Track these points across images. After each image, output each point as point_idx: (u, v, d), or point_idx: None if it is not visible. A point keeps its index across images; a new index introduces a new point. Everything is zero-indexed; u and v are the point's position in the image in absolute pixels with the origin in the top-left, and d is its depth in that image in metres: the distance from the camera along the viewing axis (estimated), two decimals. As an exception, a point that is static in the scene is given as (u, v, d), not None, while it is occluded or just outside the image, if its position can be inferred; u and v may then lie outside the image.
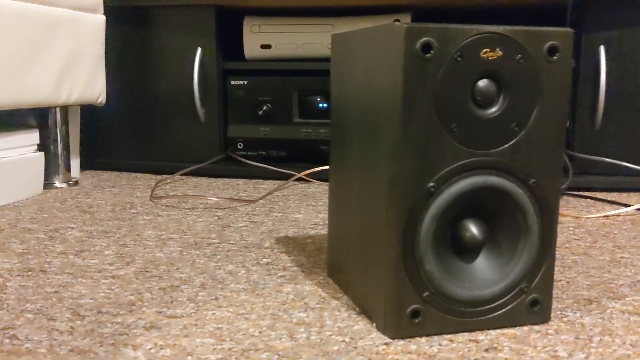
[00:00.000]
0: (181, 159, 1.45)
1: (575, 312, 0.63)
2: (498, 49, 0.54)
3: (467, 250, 0.58)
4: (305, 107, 1.42)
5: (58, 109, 1.31)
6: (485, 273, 0.58)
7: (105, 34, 1.36)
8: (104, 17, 1.35)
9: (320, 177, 1.34)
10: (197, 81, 1.41)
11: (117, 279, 0.71)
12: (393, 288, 0.55)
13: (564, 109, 0.57)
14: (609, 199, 1.18)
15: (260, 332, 0.57)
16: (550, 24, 1.21)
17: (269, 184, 1.33)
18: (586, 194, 1.22)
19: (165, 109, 1.47)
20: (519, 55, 0.55)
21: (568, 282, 0.72)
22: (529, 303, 0.59)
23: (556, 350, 0.54)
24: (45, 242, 0.86)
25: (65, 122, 1.34)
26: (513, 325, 0.59)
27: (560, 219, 1.03)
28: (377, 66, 0.57)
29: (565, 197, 1.21)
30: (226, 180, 1.38)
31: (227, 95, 1.46)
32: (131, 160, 1.50)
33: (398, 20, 1.37)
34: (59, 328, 0.58)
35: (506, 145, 0.56)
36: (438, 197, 0.55)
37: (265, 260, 0.79)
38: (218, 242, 0.87)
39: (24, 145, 1.20)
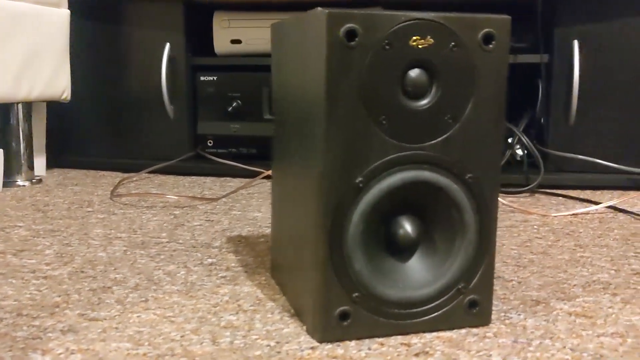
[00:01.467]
0: (151, 157, 1.42)
1: (519, 314, 0.60)
2: (429, 37, 0.51)
3: (401, 249, 0.55)
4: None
5: (20, 106, 1.28)
6: (419, 273, 0.56)
7: (71, 28, 1.33)
8: (68, 12, 1.32)
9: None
10: (165, 77, 1.38)
11: (48, 279, 0.69)
12: (320, 288, 0.52)
13: (502, 100, 0.54)
14: (581, 196, 1.15)
15: (182, 336, 0.54)
16: (521, 17, 1.18)
17: (237, 182, 1.30)
18: (559, 191, 1.19)
19: (134, 106, 1.44)
20: (452, 44, 0.52)
21: (519, 282, 0.69)
22: (467, 304, 0.56)
23: (490, 355, 0.51)
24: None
25: (28, 119, 1.31)
26: (451, 328, 0.56)
27: (527, 217, 1.00)
28: (306, 55, 0.54)
29: (536, 195, 1.18)
30: (194, 178, 1.35)
31: (196, 91, 1.43)
32: (100, 158, 1.47)
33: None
34: (-29, 331, 0.55)
35: (439, 139, 0.53)
36: (367, 193, 0.52)
37: (209, 260, 0.76)
38: (166, 242, 0.84)
39: (-19, 142, 1.17)
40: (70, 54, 1.34)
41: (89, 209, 1.04)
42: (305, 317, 0.56)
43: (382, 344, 0.53)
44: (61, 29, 1.30)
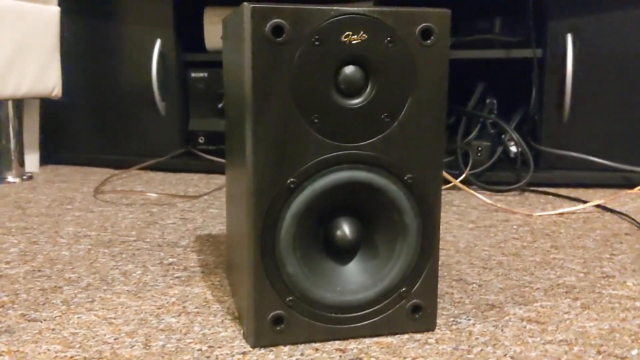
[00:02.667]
0: (142, 153, 1.42)
1: (469, 319, 0.58)
2: (362, 32, 0.49)
3: (341, 251, 0.54)
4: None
5: (10, 103, 1.29)
6: (359, 276, 0.54)
7: (62, 25, 1.34)
8: (57, 9, 1.32)
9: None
10: (155, 73, 1.38)
11: (3, 278, 0.68)
12: (252, 292, 0.51)
13: (443, 98, 0.52)
14: (572, 195, 1.12)
15: (115, 339, 0.53)
16: (514, 11, 1.14)
17: (224, 179, 1.29)
18: (549, 190, 1.16)
19: (125, 102, 1.44)
20: (388, 39, 0.50)
21: (480, 286, 0.67)
22: (410, 309, 0.54)
23: (426, 363, 0.49)
24: (-43, 239, 0.84)
25: (19, 115, 1.31)
26: (393, 333, 0.54)
27: (509, 216, 0.98)
28: (239, 51, 0.52)
29: (526, 194, 1.15)
30: (183, 175, 1.35)
31: (187, 87, 1.42)
32: (92, 155, 1.47)
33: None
34: None
35: (376, 138, 0.51)
36: (300, 194, 0.50)
37: (170, 259, 0.75)
38: (133, 240, 0.84)
39: (-32, 139, 1.18)
40: (61, 51, 1.34)
41: (69, 206, 1.04)
42: (242, 320, 0.55)
43: (316, 349, 0.52)
44: (50, 25, 1.30)
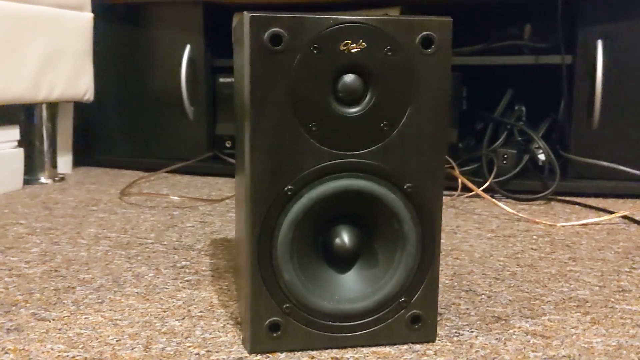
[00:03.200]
0: (170, 157, 1.44)
1: (472, 332, 0.57)
2: (361, 41, 0.49)
3: (339, 260, 0.54)
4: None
5: (44, 106, 1.33)
6: (358, 284, 0.54)
7: (95, 31, 1.37)
8: (91, 15, 1.36)
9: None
10: (185, 78, 1.40)
11: (20, 277, 0.70)
12: (249, 299, 0.51)
13: (444, 106, 0.51)
14: (600, 205, 1.09)
15: (117, 341, 0.54)
16: (544, 17, 1.13)
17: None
18: (577, 200, 1.13)
19: (155, 107, 1.47)
20: (387, 48, 0.50)
21: (489, 297, 0.66)
22: (409, 319, 0.54)
23: (421, 374, 0.49)
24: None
25: (52, 118, 1.35)
26: (393, 343, 0.54)
27: (531, 226, 0.96)
28: (242, 58, 0.53)
29: (552, 203, 1.12)
30: (208, 178, 1.37)
31: (215, 93, 1.44)
32: (123, 157, 1.50)
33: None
34: None
35: (375, 147, 0.51)
36: (297, 202, 0.50)
37: (183, 262, 0.77)
38: (151, 243, 0.85)
39: (3, 141, 1.22)
40: (93, 56, 1.37)
41: (94, 208, 1.06)
42: (242, 326, 0.55)
43: (312, 357, 0.52)
44: (83, 31, 1.33)
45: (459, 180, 1.13)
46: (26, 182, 1.29)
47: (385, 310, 0.53)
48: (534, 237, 0.90)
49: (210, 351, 0.52)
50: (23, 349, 0.52)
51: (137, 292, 0.66)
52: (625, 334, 0.56)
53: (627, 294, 0.66)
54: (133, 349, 0.53)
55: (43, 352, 0.52)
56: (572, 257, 0.80)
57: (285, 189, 0.50)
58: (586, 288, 0.68)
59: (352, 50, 0.49)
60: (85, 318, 0.59)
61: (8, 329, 0.57)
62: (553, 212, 1.05)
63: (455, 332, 0.57)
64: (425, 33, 0.50)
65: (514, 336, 0.56)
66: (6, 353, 0.52)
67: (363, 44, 0.49)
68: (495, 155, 1.20)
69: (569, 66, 1.20)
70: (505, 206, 1.05)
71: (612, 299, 0.65)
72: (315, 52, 0.49)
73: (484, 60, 1.26)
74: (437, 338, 0.55)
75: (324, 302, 0.52)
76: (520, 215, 1.02)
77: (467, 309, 0.62)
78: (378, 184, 0.51)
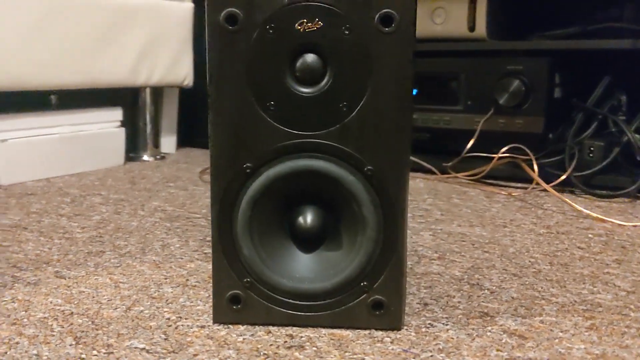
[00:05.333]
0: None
1: (446, 324, 0.54)
2: (317, 20, 0.49)
3: (306, 240, 0.54)
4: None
5: (148, 90, 1.44)
6: (320, 265, 0.54)
7: (197, 20, 1.46)
8: (191, 5, 1.45)
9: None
10: (276, 64, 1.45)
11: (68, 240, 0.79)
12: (213, 271, 0.54)
13: (407, 87, 0.49)
14: (697, 207, 0.97)
15: (108, 301, 0.59)
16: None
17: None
18: (671, 199, 1.01)
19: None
20: (345, 26, 0.49)
21: (492, 293, 0.62)
22: (371, 305, 0.53)
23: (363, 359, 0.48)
24: (63, 204, 0.97)
25: (156, 102, 1.47)
26: (355, 327, 0.53)
27: (595, 224, 0.88)
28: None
29: (636, 202, 1.02)
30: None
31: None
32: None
33: (474, -2, 1.26)
34: (-33, 275, 0.66)
35: (334, 127, 0.50)
36: (256, 180, 0.52)
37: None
38: (197, 217, 0.90)
39: (107, 121, 1.35)
40: (196, 44, 1.47)
41: (171, 184, 1.15)
42: (216, 297, 0.57)
43: (269, 332, 0.53)
44: (183, 21, 1.43)
45: (535, 172, 1.06)
46: (130, 159, 1.42)
47: (345, 294, 0.53)
48: (590, 235, 0.82)
49: (181, 317, 0.56)
50: (27, 300, 0.59)
51: (154, 260, 0.71)
52: (618, 343, 0.51)
53: (653, 303, 0.59)
54: (116, 309, 0.57)
55: (42, 304, 0.58)
56: (618, 260, 0.72)
57: (244, 166, 0.51)
58: (610, 293, 0.62)
59: (307, 30, 0.49)
60: (95, 279, 0.65)
61: (28, 282, 0.64)
62: (632, 212, 0.95)
63: (429, 324, 0.54)
64: (384, 11, 0.48)
65: (489, 334, 0.52)
66: (12, 302, 0.59)
67: (319, 22, 0.49)
68: (582, 147, 1.10)
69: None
70: (574, 203, 0.96)
71: (632, 307, 0.58)
72: (270, 31, 0.49)
73: (578, 45, 1.16)
74: (406, 327, 0.54)
75: (283, 279, 0.53)
76: (588, 212, 0.93)
77: (459, 302, 0.59)
78: (337, 166, 0.51)
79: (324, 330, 0.53)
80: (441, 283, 0.64)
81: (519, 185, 1.12)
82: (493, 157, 1.13)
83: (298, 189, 0.53)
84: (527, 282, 0.65)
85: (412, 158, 1.25)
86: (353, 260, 0.52)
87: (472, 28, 1.27)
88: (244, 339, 0.51)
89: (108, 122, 1.35)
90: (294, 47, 0.50)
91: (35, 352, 0.49)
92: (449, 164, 1.21)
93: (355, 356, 0.49)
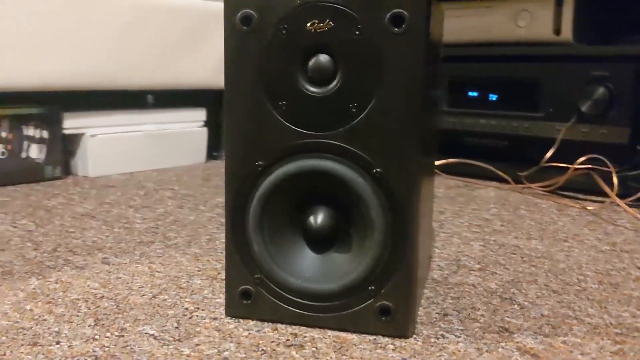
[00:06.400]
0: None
1: (459, 337, 0.52)
2: (329, 21, 0.49)
3: (319, 240, 0.54)
4: (455, 96, 1.34)
5: (232, 91, 1.50)
6: (329, 266, 0.53)
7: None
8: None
9: (451, 170, 1.27)
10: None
11: (127, 230, 0.84)
12: (226, 265, 0.55)
13: (417, 89, 0.48)
14: None
15: (139, 287, 0.62)
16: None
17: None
18: None
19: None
20: (357, 27, 0.48)
21: (522, 308, 0.59)
22: (378, 310, 0.52)
23: (356, 364, 0.47)
24: (136, 196, 1.03)
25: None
26: (362, 332, 0.53)
27: (669, 244, 0.80)
28: (245, 42, 0.56)
29: None
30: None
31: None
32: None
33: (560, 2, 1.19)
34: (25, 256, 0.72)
35: (343, 128, 0.50)
36: (267, 178, 0.52)
37: (259, 234, 0.82)
38: (252, 215, 0.93)
39: (191, 121, 1.42)
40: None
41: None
42: (235, 291, 0.59)
43: (275, 329, 0.53)
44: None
45: (615, 186, 0.99)
46: (213, 157, 1.48)
47: (352, 297, 0.52)
48: (658, 255, 0.76)
49: (198, 308, 0.57)
50: (69, 282, 0.64)
51: (195, 253, 0.74)
52: (641, 372, 0.46)
53: (702, 332, 0.54)
54: (143, 296, 0.60)
55: (78, 287, 0.62)
56: (681, 283, 0.66)
57: (257, 164, 0.52)
58: (656, 317, 0.57)
59: (319, 30, 0.49)
60: (135, 267, 0.69)
61: (76, 266, 0.69)
62: None
63: (441, 335, 0.53)
64: (394, 11, 0.47)
65: (500, 349, 0.50)
66: (55, 283, 0.63)
67: (330, 23, 0.49)
68: (670, 160, 1.01)
69: None
70: (651, 219, 0.89)
71: (675, 334, 0.53)
72: (283, 31, 0.50)
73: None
74: (415, 336, 0.52)
75: (291, 278, 0.53)
76: (665, 230, 0.86)
77: (481, 315, 0.57)
78: (346, 167, 0.50)
79: (330, 332, 0.53)
80: (471, 295, 0.62)
81: (598, 198, 1.05)
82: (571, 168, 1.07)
83: (311, 189, 0.53)
84: (564, 300, 0.61)
85: (486, 166, 1.21)
86: (361, 263, 0.52)
87: (557, 31, 1.20)
88: (249, 333, 0.52)
89: (192, 121, 1.42)
90: (306, 48, 0.50)
91: (57, 329, 0.52)
92: (524, 173, 1.16)
93: (351, 360, 0.48)
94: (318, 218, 0.53)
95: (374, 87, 0.49)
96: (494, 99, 1.29)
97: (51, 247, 0.75)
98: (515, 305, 0.59)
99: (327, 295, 0.53)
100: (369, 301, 0.52)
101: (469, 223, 0.91)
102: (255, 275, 0.54)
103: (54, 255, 0.72)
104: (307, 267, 0.54)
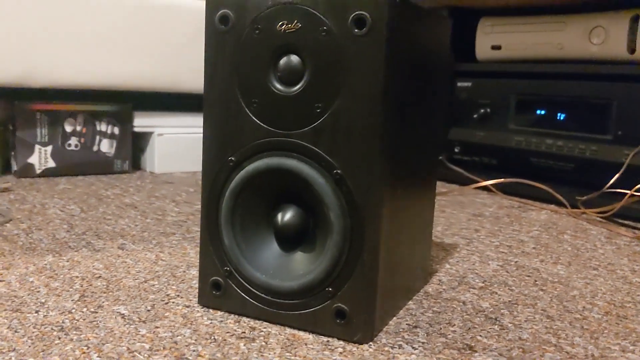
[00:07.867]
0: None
1: (416, 349, 0.51)
2: (296, 22, 0.50)
3: (289, 238, 0.55)
4: (522, 114, 1.29)
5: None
6: (293, 265, 0.54)
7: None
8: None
9: (509, 189, 1.22)
10: (424, 81, 1.43)
11: (159, 220, 0.88)
12: (200, 256, 0.57)
13: (379, 91, 0.48)
14: None
15: (137, 272, 0.66)
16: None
17: (449, 187, 1.27)
18: None
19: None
20: (322, 28, 0.49)
21: (502, 329, 0.56)
22: (334, 312, 0.51)
23: (295, 362, 0.47)
24: (184, 192, 1.09)
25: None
26: (319, 333, 0.52)
27: None
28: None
29: None
30: (425, 180, 1.37)
31: (452, 96, 1.43)
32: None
33: (637, 16, 1.12)
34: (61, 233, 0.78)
35: (307, 128, 0.51)
36: (238, 174, 0.54)
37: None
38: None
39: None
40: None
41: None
42: (215, 283, 0.61)
43: (237, 321, 0.54)
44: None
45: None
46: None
47: (311, 297, 0.52)
48: (692, 293, 0.69)
49: (178, 296, 0.60)
50: (78, 262, 0.68)
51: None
52: (592, 406, 0.43)
53: (691, 375, 0.48)
54: (135, 279, 0.64)
55: (85, 267, 0.67)
56: (701, 323, 0.60)
57: (229, 159, 0.54)
58: (647, 354, 0.52)
59: (287, 31, 0.50)
60: (145, 254, 0.72)
61: (93, 249, 0.74)
62: None
63: (399, 345, 0.51)
64: (357, 13, 0.47)
65: (451, 365, 0.48)
66: (67, 261, 0.69)
67: (298, 24, 0.50)
68: None
69: None
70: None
71: (657, 373, 0.48)
72: (257, 31, 0.51)
73: None
74: (372, 343, 0.51)
75: (257, 273, 0.54)
76: None
77: (453, 331, 0.55)
78: (309, 167, 0.51)
79: (288, 330, 0.53)
80: (455, 311, 0.60)
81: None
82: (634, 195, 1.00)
83: (283, 188, 0.54)
84: (554, 327, 0.57)
85: (543, 187, 1.15)
86: (320, 264, 0.52)
87: (632, 50, 1.13)
88: (210, 322, 0.54)
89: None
90: (277, 48, 0.51)
91: (43, 300, 0.57)
92: (583, 198, 1.09)
93: (294, 358, 0.48)
94: (285, 216, 0.54)
95: (337, 88, 0.49)
96: (562, 118, 1.22)
97: (82, 231, 0.81)
98: (496, 326, 0.56)
99: (288, 292, 0.53)
100: (326, 303, 0.52)
101: (500, 243, 0.87)
102: (225, 268, 0.56)
103: (80, 238, 0.78)
104: (273, 263, 0.55)
